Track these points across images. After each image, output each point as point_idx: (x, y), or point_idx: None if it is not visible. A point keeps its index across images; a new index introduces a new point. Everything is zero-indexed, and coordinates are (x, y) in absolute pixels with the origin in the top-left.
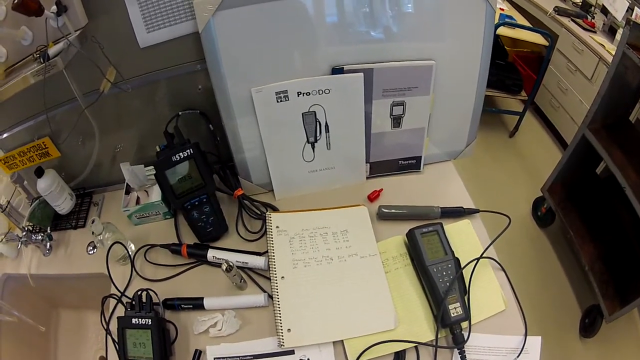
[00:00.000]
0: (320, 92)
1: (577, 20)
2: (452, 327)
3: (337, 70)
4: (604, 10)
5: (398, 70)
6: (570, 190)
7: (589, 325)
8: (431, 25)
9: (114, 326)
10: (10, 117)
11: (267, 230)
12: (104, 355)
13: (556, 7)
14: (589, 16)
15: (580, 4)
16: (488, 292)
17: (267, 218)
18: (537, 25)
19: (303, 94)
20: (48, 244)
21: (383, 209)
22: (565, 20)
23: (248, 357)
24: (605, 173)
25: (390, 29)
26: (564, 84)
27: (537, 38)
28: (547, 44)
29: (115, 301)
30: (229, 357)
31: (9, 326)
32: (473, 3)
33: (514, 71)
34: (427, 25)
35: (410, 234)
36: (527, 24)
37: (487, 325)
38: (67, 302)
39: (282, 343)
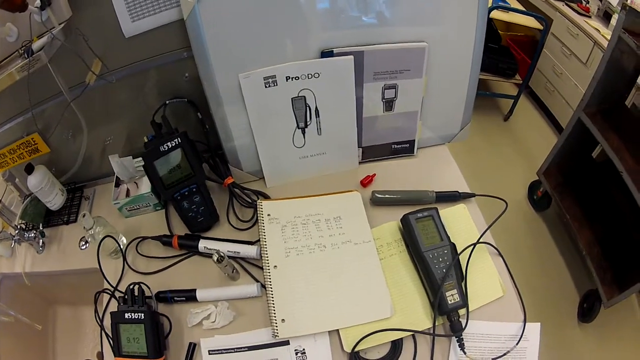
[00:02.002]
0: (310, 76)
1: (572, 4)
2: (449, 315)
3: (326, 54)
4: None
5: (389, 53)
6: (566, 174)
7: (587, 311)
8: (423, 6)
9: (108, 321)
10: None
11: (259, 218)
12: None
13: None
14: (583, 1)
15: None
16: (485, 278)
17: (258, 206)
18: (531, 9)
19: (292, 78)
20: (41, 241)
21: (377, 194)
22: (560, 5)
23: (242, 349)
24: (602, 157)
25: (382, 10)
26: (558, 68)
27: (531, 22)
28: (541, 28)
29: (109, 296)
30: (224, 350)
31: (6, 326)
32: None
33: (508, 55)
34: (419, 7)
35: (404, 220)
36: (520, 7)
37: (485, 312)
38: (63, 298)
39: (276, 334)
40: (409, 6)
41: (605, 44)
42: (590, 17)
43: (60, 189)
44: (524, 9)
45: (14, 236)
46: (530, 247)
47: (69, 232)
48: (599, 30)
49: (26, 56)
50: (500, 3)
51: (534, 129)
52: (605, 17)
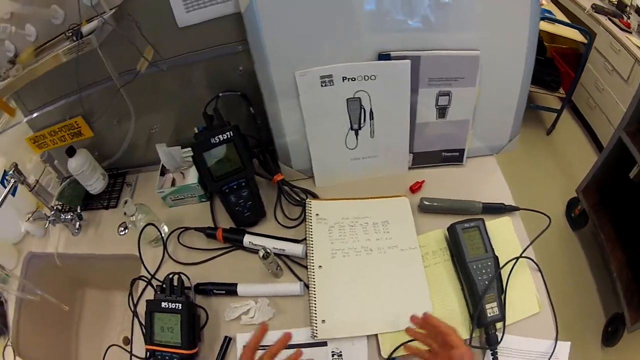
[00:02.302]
0: (366, 77)
1: (614, 19)
2: (487, 327)
3: (383, 56)
4: (639, 11)
5: (445, 59)
6: (604, 193)
7: (612, 334)
8: (477, 17)
9: (141, 309)
10: (40, 96)
11: (307, 217)
12: (128, 337)
13: (593, 4)
14: (624, 16)
15: (616, 3)
16: (523, 293)
17: (307, 205)
18: (574, 22)
19: (348, 79)
20: (78, 223)
21: (425, 202)
22: (603, 19)
23: None
24: (639, 177)
25: (436, 18)
26: (601, 83)
27: (575, 35)
28: (585, 41)
29: (145, 283)
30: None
31: (32, 304)
32: None
33: (552, 67)
34: (473, 17)
35: (451, 229)
36: (565, 19)
37: (520, 327)
38: (94, 281)
39: (315, 334)
40: (462, 12)
41: None
42: (631, 32)
43: (101, 174)
44: (569, 22)
45: (49, 217)
46: (562, 263)
47: (107, 217)
48: (639, 47)
49: (74, 39)
50: (546, 14)
51: (575, 144)
52: None
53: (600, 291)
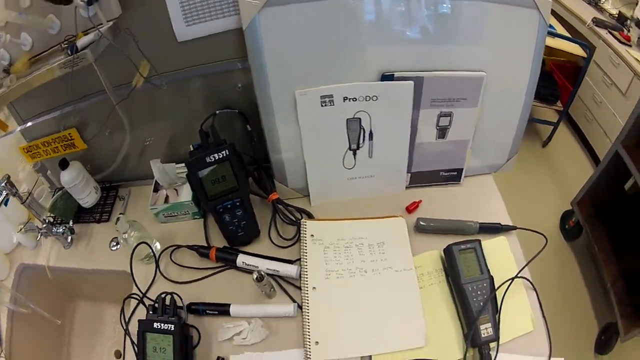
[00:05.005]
0: (368, 98)
1: (614, 32)
2: (480, 347)
3: (387, 77)
4: (639, 24)
5: (448, 80)
6: (599, 205)
7: (605, 343)
8: (484, 36)
9: (133, 327)
10: (35, 106)
11: (301, 238)
12: (120, 350)
13: (594, 18)
14: (625, 29)
15: (617, 16)
16: (518, 312)
17: (302, 225)
18: (574, 35)
19: (349, 99)
20: (69, 237)
21: (421, 222)
22: (603, 32)
23: None
24: (633, 190)
25: (442, 36)
26: (598, 96)
27: (575, 49)
28: (585, 55)
29: (137, 301)
30: None
31: (23, 317)
32: (526, 16)
33: (551, 80)
34: (480, 36)
35: (448, 250)
36: (566, 33)
37: (514, 345)
38: (85, 294)
39: (309, 356)
40: (469, 31)
41: None
42: (631, 46)
43: (94, 187)
44: (569, 35)
45: (40, 229)
46: (557, 275)
47: (99, 231)
48: (639, 61)
49: (70, 53)
50: (548, 29)
51: (571, 157)
52: None
53: (593, 301)
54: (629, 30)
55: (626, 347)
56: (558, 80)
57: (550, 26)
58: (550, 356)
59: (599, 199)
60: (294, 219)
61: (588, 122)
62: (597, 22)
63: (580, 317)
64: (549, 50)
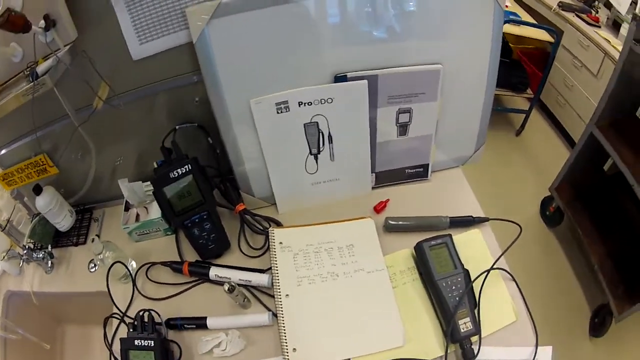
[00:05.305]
0: (323, 101)
1: (582, 15)
2: (461, 343)
3: (340, 78)
4: (608, 4)
5: (404, 76)
6: (578, 188)
7: (599, 325)
8: (437, 27)
9: (117, 346)
10: (7, 133)
11: (270, 246)
12: None
13: (560, 2)
14: (592, 11)
15: None
16: (498, 304)
17: (269, 234)
18: (541, 21)
19: (305, 104)
20: (49, 261)
21: (390, 221)
22: (570, 16)
23: None
24: (613, 170)
25: (395, 31)
26: (569, 80)
27: (542, 35)
28: (552, 40)
29: (118, 320)
30: None
31: (13, 343)
32: (480, 3)
33: (519, 69)
34: (433, 28)
35: (418, 248)
36: (531, 20)
37: (497, 337)
38: (72, 318)
39: None
40: (422, 24)
41: (615, 54)
42: (600, 27)
43: (69, 210)
44: (535, 22)
45: (22, 255)
46: (542, 262)
47: (78, 254)
48: (609, 41)
49: (31, 79)
50: (511, 17)
51: (546, 143)
52: (615, 26)
53: (583, 285)
54: (597, 12)
55: (619, 329)
56: (527, 68)
57: (515, 14)
58: (537, 345)
59: (577, 182)
60: (262, 228)
61: (561, 107)
62: (563, 5)
63: (571, 303)
64: (516, 39)
